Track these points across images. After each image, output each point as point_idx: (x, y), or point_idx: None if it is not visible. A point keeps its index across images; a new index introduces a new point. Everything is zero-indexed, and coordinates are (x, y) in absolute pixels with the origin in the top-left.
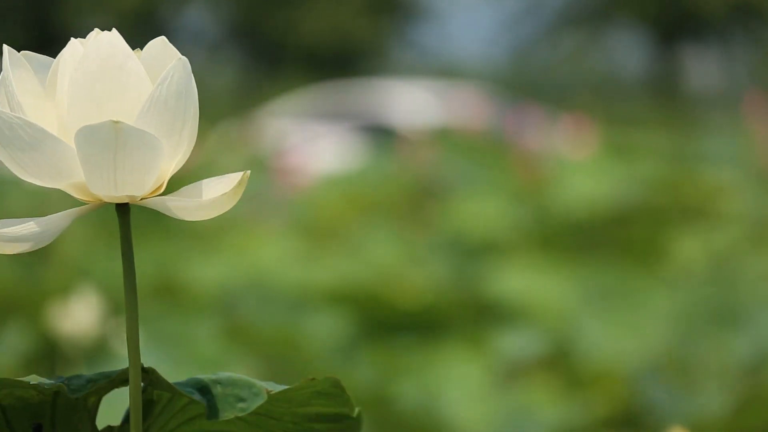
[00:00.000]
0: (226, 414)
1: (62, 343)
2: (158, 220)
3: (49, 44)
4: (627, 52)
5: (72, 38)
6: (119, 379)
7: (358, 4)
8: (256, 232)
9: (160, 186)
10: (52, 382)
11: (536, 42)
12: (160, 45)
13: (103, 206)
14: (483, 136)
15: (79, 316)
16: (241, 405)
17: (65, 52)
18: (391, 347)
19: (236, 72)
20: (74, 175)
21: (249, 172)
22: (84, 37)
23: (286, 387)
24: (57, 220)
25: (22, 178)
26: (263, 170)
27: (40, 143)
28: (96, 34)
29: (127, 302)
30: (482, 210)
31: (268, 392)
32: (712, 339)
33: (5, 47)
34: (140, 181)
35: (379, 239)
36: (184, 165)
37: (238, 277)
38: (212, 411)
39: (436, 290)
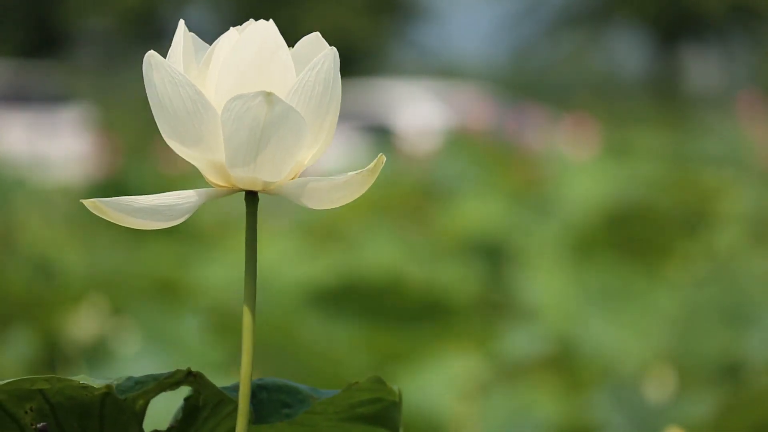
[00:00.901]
0: (272, 419)
1: (64, 344)
2: None
3: (49, 44)
4: (627, 52)
5: (72, 38)
6: (167, 383)
7: (358, 4)
8: (257, 232)
9: (294, 178)
10: (101, 381)
11: (536, 42)
12: (313, 40)
13: (232, 193)
14: (483, 136)
15: (80, 317)
16: (286, 411)
17: (222, 38)
18: (393, 345)
19: None
20: (215, 151)
21: (383, 155)
22: (84, 37)
23: (332, 394)
24: (190, 196)
25: (169, 141)
26: None
27: (195, 105)
28: (251, 23)
29: (246, 292)
30: (483, 210)
31: (313, 400)
32: (713, 339)
33: (181, 22)
34: (280, 164)
35: (381, 239)
36: (184, 166)
37: (239, 277)
38: (258, 416)
39: (437, 290)
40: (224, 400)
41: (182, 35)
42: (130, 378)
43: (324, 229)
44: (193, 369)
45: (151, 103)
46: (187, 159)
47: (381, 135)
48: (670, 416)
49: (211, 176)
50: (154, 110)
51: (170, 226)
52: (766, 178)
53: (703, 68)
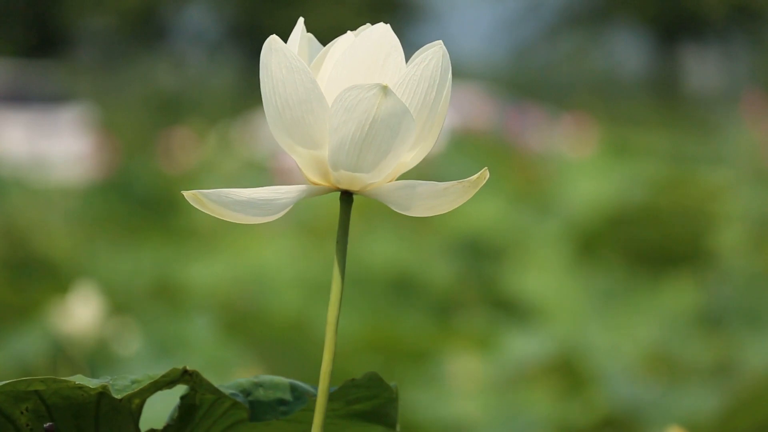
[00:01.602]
0: (268, 417)
1: (64, 344)
2: (160, 220)
3: (49, 44)
4: (627, 52)
5: (72, 38)
6: (163, 381)
7: (358, 4)
8: (256, 232)
9: (391, 181)
10: (97, 381)
11: (536, 42)
12: (435, 46)
13: (329, 192)
14: (484, 136)
15: (80, 318)
16: (282, 408)
17: (338, 39)
18: (394, 343)
19: (236, 72)
20: (319, 146)
21: (487, 170)
22: (84, 37)
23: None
24: (289, 191)
25: (274, 131)
26: (262, 170)
27: (308, 94)
28: (368, 26)
29: (334, 291)
30: (483, 209)
31: (310, 397)
32: (713, 338)
33: (300, 20)
34: (382, 162)
35: (381, 238)
36: (183, 165)
37: (238, 277)
38: (254, 414)
39: (437, 289)
40: (221, 398)
41: (299, 33)
42: (125, 377)
43: (325, 227)
44: (195, 368)
45: (262, 89)
46: (289, 152)
47: None
48: (672, 415)
49: (310, 173)
50: (264, 97)
51: (266, 221)
52: (766, 178)
53: (703, 68)
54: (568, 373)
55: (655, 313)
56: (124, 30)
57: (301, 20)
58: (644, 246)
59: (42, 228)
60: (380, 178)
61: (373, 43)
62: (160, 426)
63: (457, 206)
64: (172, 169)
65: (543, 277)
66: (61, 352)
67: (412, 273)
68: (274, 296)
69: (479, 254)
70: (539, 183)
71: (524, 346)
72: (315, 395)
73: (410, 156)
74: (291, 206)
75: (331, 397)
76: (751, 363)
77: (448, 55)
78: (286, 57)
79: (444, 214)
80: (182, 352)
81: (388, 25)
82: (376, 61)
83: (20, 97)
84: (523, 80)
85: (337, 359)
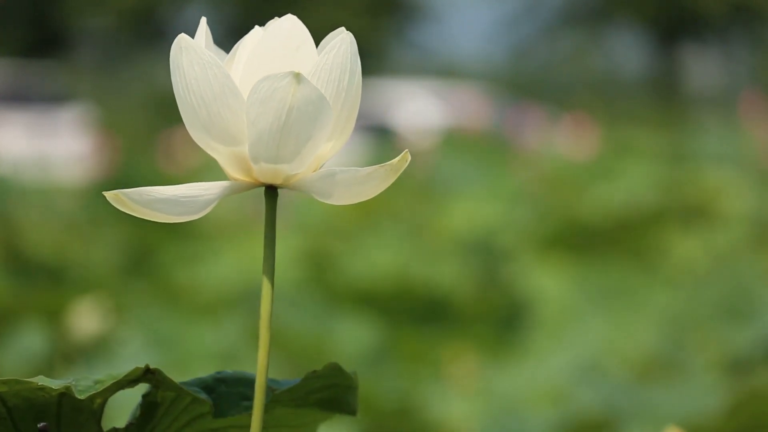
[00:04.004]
0: (232, 412)
1: (65, 344)
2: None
3: (49, 44)
4: (627, 52)
5: (72, 38)
6: (126, 380)
7: (358, 4)
8: (258, 232)
9: (315, 170)
10: (59, 382)
11: (536, 42)
12: (339, 33)
13: (253, 188)
14: (483, 136)
15: (81, 317)
16: (245, 403)
17: (247, 36)
18: (394, 344)
19: None
20: (238, 142)
21: (408, 152)
22: (84, 37)
23: (291, 384)
24: (212, 187)
25: (191, 130)
26: None
27: (222, 89)
28: (275, 19)
29: (265, 288)
30: (483, 210)
31: (272, 391)
32: (712, 338)
33: (203, 20)
34: (302, 152)
35: (381, 238)
36: (184, 165)
37: (240, 277)
38: (218, 410)
39: (436, 288)
40: (181, 394)
41: (204, 31)
42: (88, 377)
43: (325, 228)
44: (196, 369)
45: (175, 89)
46: (208, 151)
47: (381, 134)
48: (671, 415)
49: (232, 170)
50: (178, 97)
51: (191, 219)
52: (766, 178)
53: (703, 68)
54: (569, 373)
55: (656, 311)
56: (124, 30)
57: (203, 19)
58: (644, 246)
59: (41, 228)
60: (302, 168)
61: (283, 35)
62: (122, 424)
63: (380, 191)
64: (172, 169)
65: (542, 276)
66: (61, 352)
67: (409, 271)
68: (274, 297)
69: (477, 253)
70: (538, 182)
71: (523, 345)
72: (277, 389)
73: (329, 146)
74: (215, 203)
75: (293, 389)
76: (750, 363)
77: (354, 41)
78: (198, 54)
79: (443, 214)
80: (183, 353)
81: (296, 17)
82: (288, 52)
83: (20, 97)
84: (523, 80)
85: (341, 361)
